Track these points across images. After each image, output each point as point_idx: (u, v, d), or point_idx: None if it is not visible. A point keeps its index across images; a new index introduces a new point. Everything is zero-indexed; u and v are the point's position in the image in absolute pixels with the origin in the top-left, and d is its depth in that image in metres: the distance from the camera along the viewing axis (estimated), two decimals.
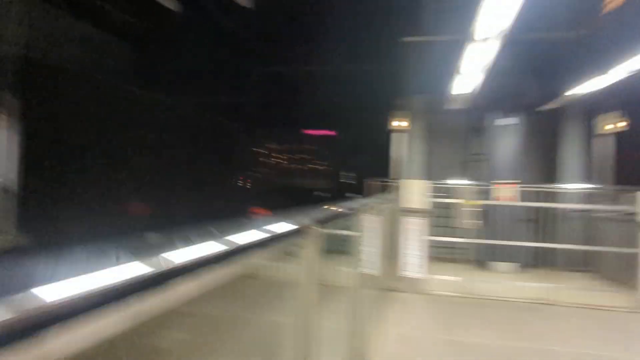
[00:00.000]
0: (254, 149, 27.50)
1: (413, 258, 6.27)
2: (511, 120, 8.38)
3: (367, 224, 6.66)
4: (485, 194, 7.83)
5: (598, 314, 5.62)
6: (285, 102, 26.94)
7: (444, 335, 4.63)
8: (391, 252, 6.33)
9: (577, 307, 5.83)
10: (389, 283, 6.17)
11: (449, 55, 8.53)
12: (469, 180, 8.82)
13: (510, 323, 5.15)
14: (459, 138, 10.59)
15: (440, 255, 6.82)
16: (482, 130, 9.96)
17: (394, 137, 9.69)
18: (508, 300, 6.04)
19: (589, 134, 8.54)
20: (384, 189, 7.14)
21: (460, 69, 6.69)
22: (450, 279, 6.46)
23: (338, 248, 6.99)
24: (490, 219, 7.80)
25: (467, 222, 6.19)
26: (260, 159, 32.48)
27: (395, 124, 8.96)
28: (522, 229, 7.97)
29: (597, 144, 8.27)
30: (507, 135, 8.38)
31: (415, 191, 6.45)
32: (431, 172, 10.29)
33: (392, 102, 9.37)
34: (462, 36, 6.91)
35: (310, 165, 34.73)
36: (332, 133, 32.89)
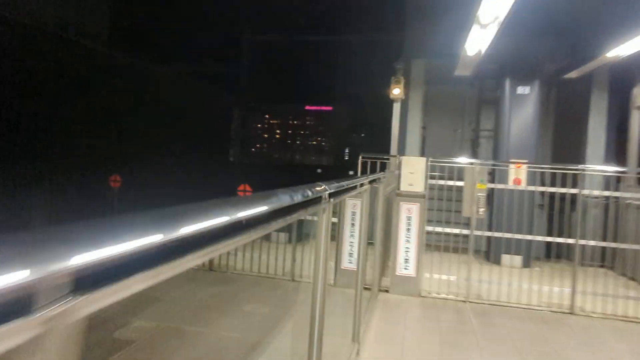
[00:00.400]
0: (242, 122, 26.25)
1: (408, 252, 5.17)
2: (527, 90, 7.18)
3: (352, 209, 5.54)
4: (493, 175, 6.68)
5: (636, 329, 4.54)
6: (272, 71, 25.59)
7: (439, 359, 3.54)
8: (383, 243, 5.23)
9: (606, 318, 4.74)
10: (378, 281, 5.08)
11: (456, 13, 7.31)
12: (475, 159, 7.67)
13: (524, 340, 4.06)
14: (465, 110, 9.42)
15: (438, 243, 5.73)
16: (492, 101, 8.79)
17: (394, 109, 8.48)
18: (519, 308, 4.95)
19: (623, 107, 7.33)
20: (379, 166, 5.98)
21: (471, 24, 5.47)
22: (450, 279, 5.37)
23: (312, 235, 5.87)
24: (497, 204, 6.69)
25: (474, 209, 5.07)
26: (249, 133, 31.23)
27: (393, 94, 7.74)
28: (533, 218, 6.87)
29: (634, 118, 7.04)
30: (522, 107, 7.18)
31: (413, 170, 5.31)
32: (432, 149, 9.14)
33: (391, 69, 8.13)
34: None
35: (304, 141, 33.53)
36: (329, 108, 31.69)
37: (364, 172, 5.72)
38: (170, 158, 16.48)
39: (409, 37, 8.26)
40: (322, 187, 1.89)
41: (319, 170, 26.49)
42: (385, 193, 5.34)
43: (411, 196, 5.21)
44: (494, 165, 6.34)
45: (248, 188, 13.56)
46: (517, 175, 6.23)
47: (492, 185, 5.92)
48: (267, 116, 33.49)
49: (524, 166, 6.11)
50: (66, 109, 11.77)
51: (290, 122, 34.48)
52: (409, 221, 5.18)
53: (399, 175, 5.33)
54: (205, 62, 21.36)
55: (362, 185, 4.15)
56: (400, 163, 5.40)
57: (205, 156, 19.66)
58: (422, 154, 8.53)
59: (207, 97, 21.11)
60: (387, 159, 6.45)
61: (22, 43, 10.46)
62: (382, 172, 5.47)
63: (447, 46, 7.44)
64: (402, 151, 8.25)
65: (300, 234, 6.59)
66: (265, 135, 34.02)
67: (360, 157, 5.82)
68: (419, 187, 5.24)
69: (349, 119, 30.23)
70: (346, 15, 19.52)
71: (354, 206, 5.35)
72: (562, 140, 8.38)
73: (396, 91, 7.47)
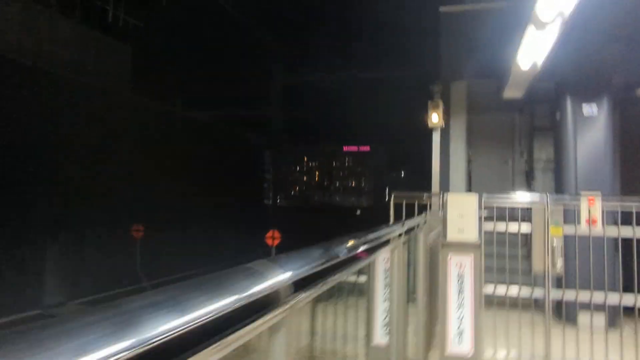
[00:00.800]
0: (277, 164, 25.51)
1: (462, 321, 3.92)
2: (595, 109, 5.93)
3: (384, 266, 4.37)
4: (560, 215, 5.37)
5: None
6: (307, 112, 24.85)
7: None
8: (428, 307, 4.02)
9: None
10: None
11: (500, 28, 6.25)
12: (536, 194, 6.37)
13: None
14: (515, 139, 8.18)
15: (490, 297, 4.46)
16: (546, 127, 7.56)
17: (433, 139, 7.34)
18: None
19: None
20: (419, 207, 4.80)
21: (525, 26, 4.37)
22: (521, 355, 4.05)
23: (339, 298, 4.67)
24: (569, 252, 5.36)
25: (548, 261, 3.82)
26: (285, 175, 30.38)
27: (431, 121, 6.60)
28: (618, 268, 5.48)
29: None
30: (590, 129, 5.93)
31: (462, 211, 4.11)
32: (479, 184, 7.92)
33: (428, 93, 7.03)
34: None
35: (342, 182, 32.47)
36: (366, 147, 30.69)
37: (398, 216, 4.55)
38: (203, 203, 15.69)
39: (447, 55, 7.19)
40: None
41: (357, 212, 25.30)
42: (427, 242, 4.17)
43: (462, 247, 4.00)
44: (569, 200, 5.02)
45: (277, 234, 12.47)
46: (592, 212, 4.94)
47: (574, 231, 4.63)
48: (302, 158, 32.87)
49: (598, 202, 4.82)
50: (90, 154, 11.24)
51: (327, 163, 33.69)
52: (461, 280, 3.95)
53: (444, 219, 4.15)
54: (238, 105, 20.86)
55: (399, 234, 3.05)
56: (445, 202, 4.22)
57: (239, 200, 18.83)
58: (469, 191, 7.31)
59: (240, 139, 20.53)
60: (428, 198, 5.24)
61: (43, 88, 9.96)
62: (423, 214, 4.30)
63: (492, 64, 6.34)
64: (445, 188, 7.06)
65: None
66: (302, 177, 33.33)
67: (392, 197, 4.64)
68: (471, 233, 4.02)
69: (388, 157, 29.10)
70: (379, 49, 18.73)
71: (387, 262, 4.18)
72: (631, 168, 7.03)
73: (434, 118, 6.34)
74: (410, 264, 3.90)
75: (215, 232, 15.43)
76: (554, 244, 3.76)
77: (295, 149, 29.75)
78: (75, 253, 10.33)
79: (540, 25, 4.18)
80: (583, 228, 4.43)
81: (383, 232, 2.84)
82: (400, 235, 3.23)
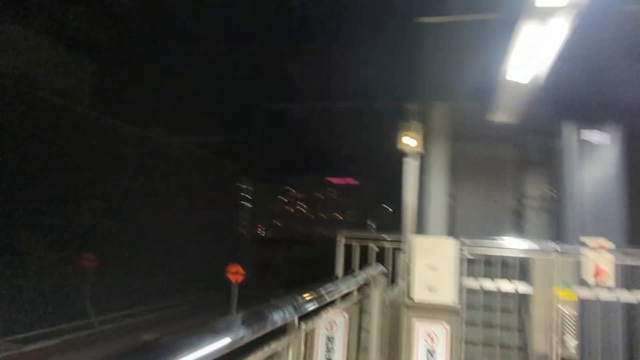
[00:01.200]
0: (255, 195, 24.28)
1: None
2: (602, 138, 4.91)
3: (326, 333, 3.23)
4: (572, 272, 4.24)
5: None
6: (290, 142, 23.81)
7: None
8: None
9: None
10: None
11: (490, 42, 5.29)
12: (528, 240, 5.27)
13: None
14: (505, 173, 7.14)
15: None
16: (540, 161, 6.57)
17: (407, 168, 6.21)
18: None
19: None
20: (377, 254, 3.64)
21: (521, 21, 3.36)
22: None
23: None
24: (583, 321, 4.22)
25: (554, 339, 2.68)
26: (264, 206, 29.09)
27: (405, 144, 5.47)
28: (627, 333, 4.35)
29: None
30: (596, 161, 4.89)
31: (434, 262, 2.98)
32: (463, 225, 6.83)
33: (403, 113, 5.92)
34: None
35: (326, 214, 31.26)
36: (352, 180, 29.66)
37: (349, 264, 3.37)
38: (172, 234, 14.53)
39: (426, 73, 6.15)
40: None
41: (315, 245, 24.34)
42: (387, 302, 3.04)
43: (433, 311, 2.84)
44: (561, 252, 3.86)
45: (240, 270, 11.16)
46: (599, 264, 3.84)
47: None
48: (284, 188, 31.82)
49: (606, 252, 3.71)
50: (52, 178, 10.26)
51: (311, 194, 32.71)
52: (432, 358, 2.77)
53: (410, 271, 3.00)
54: (219, 132, 19.92)
55: (350, 291, 2.01)
56: (411, 249, 3.08)
57: (213, 230, 17.64)
58: (451, 234, 6.19)
59: (216, 168, 19.60)
60: (398, 242, 4.04)
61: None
62: (378, 265, 3.16)
63: (480, 83, 5.34)
64: (422, 229, 5.92)
65: None
66: (285, 209, 32.18)
67: (342, 240, 3.45)
68: (446, 293, 2.87)
69: (376, 190, 28.05)
70: (365, 79, 17.91)
71: (332, 327, 3.00)
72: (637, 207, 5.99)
73: (409, 141, 5.24)
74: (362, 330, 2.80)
75: (180, 265, 14.26)
76: (564, 315, 2.61)
77: (276, 178, 28.63)
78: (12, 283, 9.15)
79: (542, 16, 3.14)
80: (600, 290, 3.29)
81: (323, 292, 1.77)
82: (348, 294, 2.18)
